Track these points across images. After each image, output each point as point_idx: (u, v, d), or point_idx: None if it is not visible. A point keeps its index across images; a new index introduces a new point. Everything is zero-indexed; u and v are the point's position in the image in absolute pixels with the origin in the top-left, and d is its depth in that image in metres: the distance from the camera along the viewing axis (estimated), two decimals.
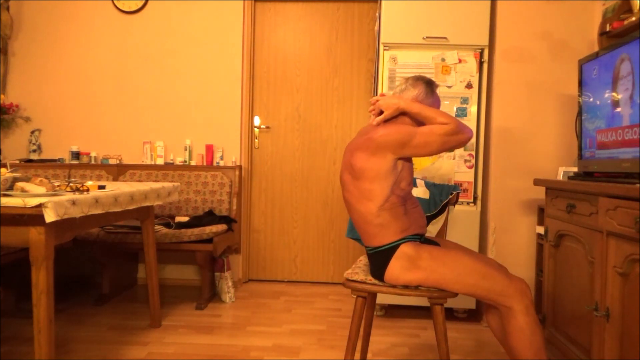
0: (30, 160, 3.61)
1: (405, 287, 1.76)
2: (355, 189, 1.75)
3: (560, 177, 2.66)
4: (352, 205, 1.78)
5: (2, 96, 3.65)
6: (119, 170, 3.55)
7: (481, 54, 2.87)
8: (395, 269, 1.72)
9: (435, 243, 1.85)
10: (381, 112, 1.82)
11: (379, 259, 1.76)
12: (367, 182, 1.71)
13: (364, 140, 1.72)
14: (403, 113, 1.80)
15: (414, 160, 2.89)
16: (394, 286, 1.77)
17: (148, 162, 3.60)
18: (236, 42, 3.61)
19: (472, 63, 2.87)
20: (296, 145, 3.76)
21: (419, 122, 1.79)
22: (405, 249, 1.72)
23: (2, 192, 1.84)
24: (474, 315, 3.06)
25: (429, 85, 1.85)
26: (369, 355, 2.42)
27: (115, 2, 3.64)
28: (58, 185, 2.01)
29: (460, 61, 2.88)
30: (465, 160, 2.89)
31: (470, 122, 2.88)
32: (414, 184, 2.23)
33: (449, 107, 2.88)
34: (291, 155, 3.77)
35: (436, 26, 2.88)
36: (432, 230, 2.18)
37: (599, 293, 1.80)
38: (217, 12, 3.61)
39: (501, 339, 1.89)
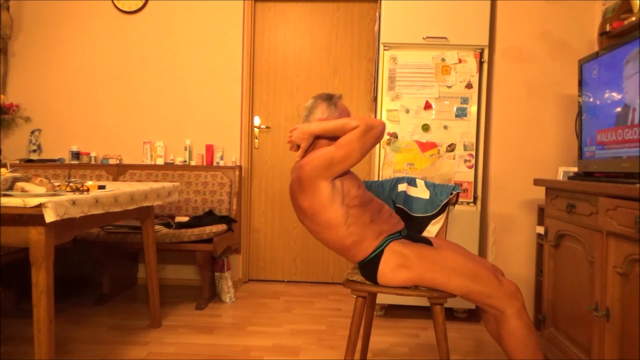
0: (30, 160, 3.61)
1: (405, 287, 1.76)
2: (316, 225, 1.76)
3: (560, 177, 2.66)
4: (323, 239, 1.79)
5: (2, 96, 3.65)
6: (119, 170, 3.55)
7: (481, 54, 2.87)
8: (386, 273, 1.73)
9: (427, 241, 1.85)
10: (299, 146, 1.82)
11: (368, 267, 1.77)
12: (320, 216, 1.72)
13: (296, 181, 1.74)
14: (319, 136, 1.79)
15: (414, 160, 2.89)
16: (393, 286, 1.77)
17: (148, 162, 3.60)
18: (236, 42, 3.61)
19: (472, 63, 2.87)
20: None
21: (336, 138, 1.76)
22: (393, 247, 1.73)
23: (2, 192, 1.84)
24: (474, 315, 3.06)
25: (329, 99, 1.85)
26: (369, 355, 2.42)
27: (115, 2, 3.64)
28: (58, 185, 2.01)
29: (460, 61, 2.88)
30: (465, 160, 2.89)
31: (470, 122, 2.88)
32: (414, 183, 2.22)
33: (449, 107, 2.88)
34: (291, 155, 3.77)
35: (436, 26, 2.88)
36: (432, 230, 2.18)
37: (599, 293, 1.80)
38: (217, 12, 3.61)
39: (498, 341, 1.89)
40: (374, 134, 1.70)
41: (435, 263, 1.69)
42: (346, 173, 1.77)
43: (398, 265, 1.71)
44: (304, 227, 1.83)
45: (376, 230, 1.75)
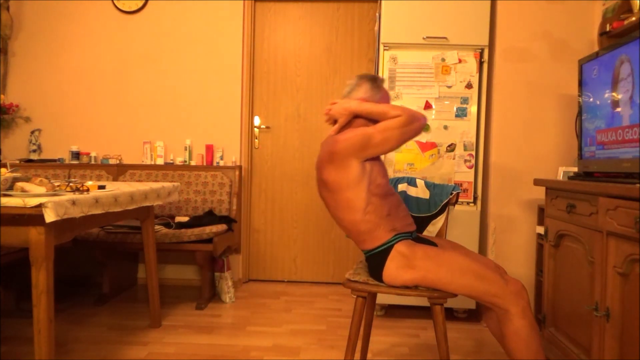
0: (30, 160, 3.61)
1: (405, 287, 1.76)
2: (335, 202, 1.75)
3: (560, 177, 2.66)
4: (338, 216, 1.78)
5: (2, 96, 3.65)
6: (119, 170, 3.55)
7: (481, 54, 2.87)
8: (392, 270, 1.73)
9: (432, 243, 1.85)
10: (336, 120, 1.81)
11: (375, 261, 1.77)
12: (343, 193, 1.71)
13: (327, 154, 1.72)
14: (357, 115, 1.78)
15: (414, 160, 2.89)
16: (393, 286, 1.77)
17: (148, 162, 3.60)
18: (236, 42, 3.61)
19: (472, 63, 2.87)
20: (296, 145, 3.76)
21: (374, 120, 1.76)
22: (399, 248, 1.73)
23: (2, 192, 1.84)
24: (474, 315, 3.06)
25: (374, 81, 1.83)
26: (369, 355, 2.42)
27: (115, 2, 3.64)
28: (58, 185, 2.01)
29: (460, 61, 2.88)
30: (465, 160, 2.89)
31: (470, 122, 2.88)
32: (414, 183, 2.23)
33: (449, 107, 2.88)
34: (291, 155, 3.77)
35: (436, 26, 2.88)
36: (432, 230, 2.18)
37: (599, 293, 1.80)
38: (217, 12, 3.61)
39: (500, 340, 1.89)
40: (414, 128, 1.69)
41: (440, 264, 1.70)
42: (376, 159, 1.77)
43: (403, 265, 1.71)
44: (322, 200, 1.81)
45: (390, 224, 1.75)
